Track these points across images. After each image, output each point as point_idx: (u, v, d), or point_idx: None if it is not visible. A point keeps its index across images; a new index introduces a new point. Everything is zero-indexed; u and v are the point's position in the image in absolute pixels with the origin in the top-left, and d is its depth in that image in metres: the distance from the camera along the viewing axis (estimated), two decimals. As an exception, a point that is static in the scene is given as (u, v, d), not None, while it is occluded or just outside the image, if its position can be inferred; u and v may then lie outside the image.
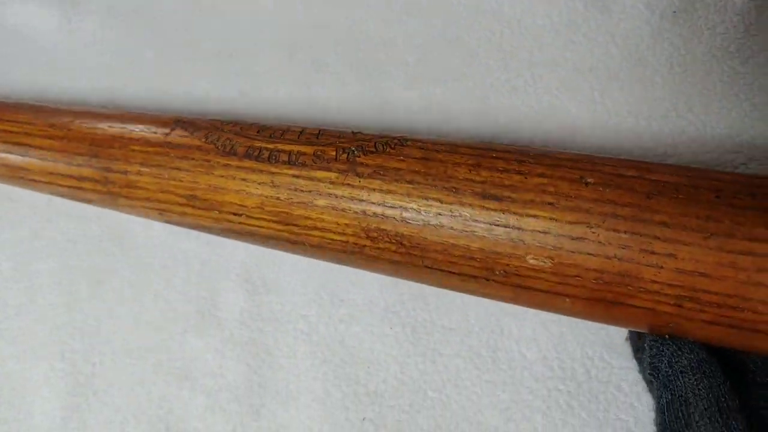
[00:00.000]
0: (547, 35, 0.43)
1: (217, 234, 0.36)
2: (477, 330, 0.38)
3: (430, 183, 0.30)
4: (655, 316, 0.27)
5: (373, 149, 0.32)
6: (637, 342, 0.31)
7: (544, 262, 0.28)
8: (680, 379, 0.27)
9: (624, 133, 0.42)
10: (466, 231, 0.29)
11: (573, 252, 0.27)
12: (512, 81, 0.42)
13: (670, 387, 0.27)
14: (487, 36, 0.43)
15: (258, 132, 0.34)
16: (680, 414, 0.26)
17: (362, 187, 0.31)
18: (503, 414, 0.36)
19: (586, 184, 0.28)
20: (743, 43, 0.41)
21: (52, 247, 0.44)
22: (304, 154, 0.33)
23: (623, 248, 0.27)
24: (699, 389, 0.26)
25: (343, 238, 0.32)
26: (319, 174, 0.32)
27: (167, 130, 0.35)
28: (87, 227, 0.44)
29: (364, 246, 0.31)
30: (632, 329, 0.30)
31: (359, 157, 0.32)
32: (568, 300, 0.28)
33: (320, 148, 0.33)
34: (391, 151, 0.32)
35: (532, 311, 0.37)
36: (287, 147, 0.33)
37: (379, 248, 0.31)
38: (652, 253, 0.26)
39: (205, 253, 0.42)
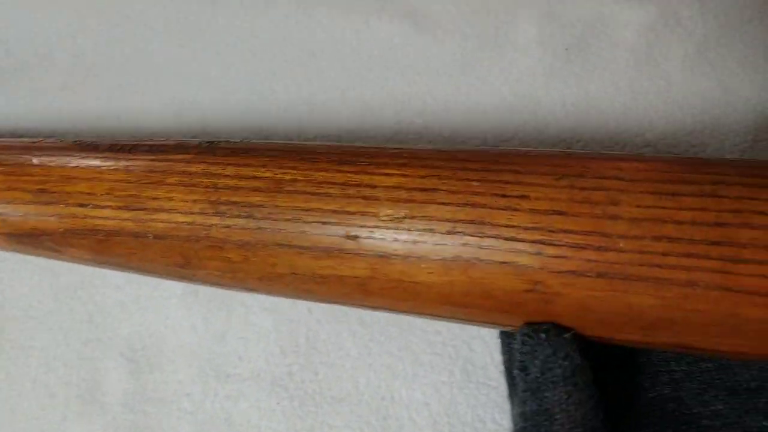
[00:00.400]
0: (440, 78, 0.43)
1: (55, 247, 0.34)
2: (367, 398, 0.36)
3: (287, 156, 0.30)
4: (517, 274, 0.26)
5: (239, 140, 0.32)
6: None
7: (399, 215, 0.27)
8: (551, 390, 0.25)
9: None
10: (319, 193, 0.28)
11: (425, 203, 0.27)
12: (404, 131, 0.42)
13: (538, 397, 0.25)
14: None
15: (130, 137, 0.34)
16: (542, 428, 0.25)
17: (217, 163, 0.30)
18: (398, 489, 0.34)
19: (438, 151, 0.29)
20: (634, 79, 0.41)
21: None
22: (167, 144, 0.32)
23: (475, 195, 0.26)
24: (568, 404, 0.25)
25: (189, 219, 0.30)
26: (176, 156, 0.31)
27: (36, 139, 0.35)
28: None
29: (211, 226, 0.30)
30: (489, 312, 0.28)
31: (221, 144, 0.32)
32: (422, 266, 0.27)
33: (184, 141, 0.32)
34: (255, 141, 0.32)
35: (422, 374, 0.36)
36: (151, 142, 0.33)
37: (227, 226, 0.30)
38: (504, 196, 0.26)
39: (88, 331, 0.40)
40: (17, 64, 0.46)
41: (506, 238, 0.26)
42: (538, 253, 0.25)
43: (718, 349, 0.25)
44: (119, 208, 0.31)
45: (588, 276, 0.25)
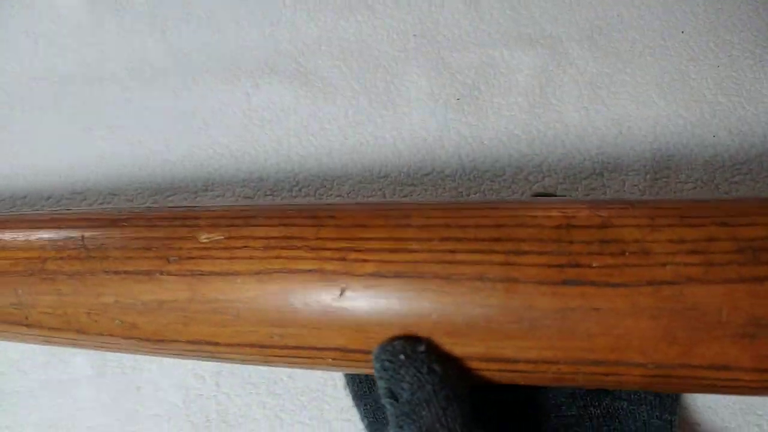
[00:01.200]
0: (335, 140, 0.43)
1: None
2: None
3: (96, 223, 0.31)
4: (325, 279, 0.26)
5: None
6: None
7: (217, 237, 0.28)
8: (425, 408, 0.24)
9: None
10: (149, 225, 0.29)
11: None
12: (303, 192, 0.42)
13: (414, 419, 0.24)
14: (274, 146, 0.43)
15: None
16: None
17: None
18: None
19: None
20: (530, 125, 0.42)
21: None
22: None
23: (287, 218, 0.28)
24: (447, 419, 0.24)
25: (27, 254, 0.30)
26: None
27: None
28: None
29: (47, 259, 0.30)
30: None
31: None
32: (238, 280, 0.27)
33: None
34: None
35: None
36: None
37: (61, 258, 0.30)
38: (313, 217, 0.28)
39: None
40: None
41: (314, 248, 0.27)
42: (342, 259, 0.26)
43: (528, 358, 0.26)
44: None
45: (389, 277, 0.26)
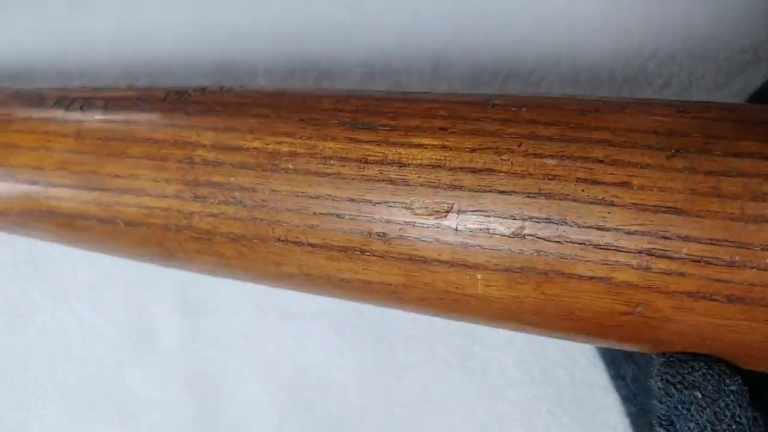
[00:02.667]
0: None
1: (22, 227, 0.28)
2: (446, 335, 0.34)
3: (282, 116, 0.23)
4: (613, 293, 0.19)
5: (217, 90, 0.25)
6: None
7: (441, 208, 0.20)
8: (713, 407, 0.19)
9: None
10: (328, 174, 0.22)
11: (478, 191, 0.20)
12: (463, 41, 0.38)
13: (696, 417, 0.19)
14: None
15: (83, 87, 0.28)
16: None
17: (191, 127, 0.24)
18: (480, 427, 0.34)
19: (493, 105, 0.21)
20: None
21: (-39, 282, 0.40)
22: (126, 98, 0.26)
23: (551, 180, 0.19)
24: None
25: (164, 204, 0.24)
26: (137, 116, 0.25)
27: None
28: (-3, 250, 0.40)
29: (192, 214, 0.24)
30: (571, 333, 0.21)
31: (195, 95, 0.25)
32: (479, 276, 0.20)
33: (147, 92, 0.26)
34: (241, 90, 0.25)
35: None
36: (107, 94, 0.26)
37: (212, 215, 0.23)
38: (595, 182, 0.19)
39: (131, 270, 0.38)
40: None
41: (598, 246, 0.19)
42: (645, 268, 0.19)
43: None
44: (77, 187, 0.25)
45: (715, 300, 0.18)
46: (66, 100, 0.27)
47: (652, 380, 0.20)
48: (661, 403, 0.20)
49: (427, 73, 0.38)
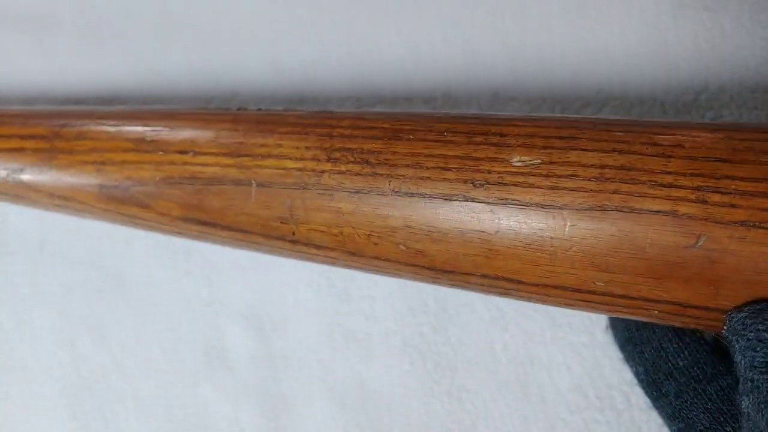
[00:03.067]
0: (554, 20, 0.40)
1: (144, 200, 0.32)
2: (504, 361, 0.36)
3: (404, 116, 0.29)
4: (677, 225, 0.23)
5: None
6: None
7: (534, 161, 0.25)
8: None
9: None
10: (442, 141, 0.27)
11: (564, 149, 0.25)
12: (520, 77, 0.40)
13: None
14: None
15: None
16: None
17: (332, 117, 0.30)
18: (539, 450, 0.35)
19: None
20: None
21: (50, 299, 0.43)
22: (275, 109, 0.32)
23: (620, 143, 0.24)
24: None
25: (299, 165, 0.28)
26: (287, 112, 0.31)
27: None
28: (84, 274, 0.43)
29: (323, 172, 0.28)
30: (641, 276, 0.24)
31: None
32: (564, 214, 0.24)
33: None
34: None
35: (561, 336, 0.36)
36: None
37: (339, 172, 0.28)
38: (654, 144, 0.24)
39: (207, 294, 0.41)
40: (107, 25, 0.44)
41: (663, 185, 0.23)
42: (702, 201, 0.23)
43: None
44: (223, 154, 0.30)
45: (763, 228, 0.22)
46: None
47: (733, 338, 0.23)
48: (756, 351, 0.22)
49: (485, 106, 0.40)
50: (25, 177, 0.35)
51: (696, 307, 0.24)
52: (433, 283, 0.29)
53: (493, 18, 0.41)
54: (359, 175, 0.27)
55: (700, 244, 0.23)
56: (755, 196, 0.22)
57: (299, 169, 0.28)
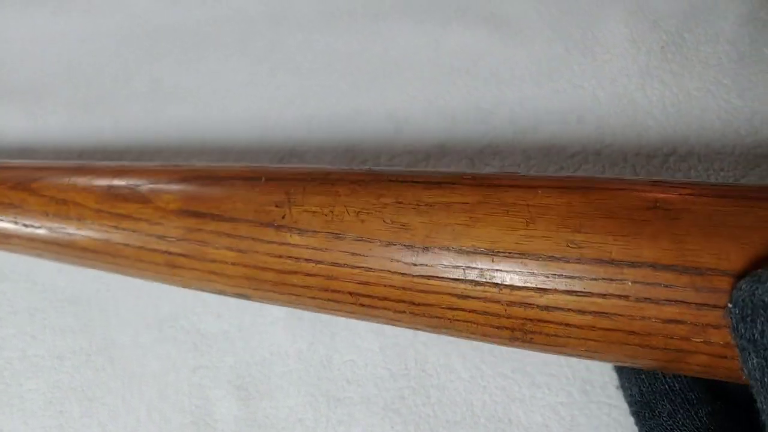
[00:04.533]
0: (527, 84, 0.42)
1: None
2: (483, 421, 0.37)
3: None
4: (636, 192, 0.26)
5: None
6: None
7: None
8: None
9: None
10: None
11: None
12: (495, 142, 0.42)
13: None
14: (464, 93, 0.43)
15: None
16: None
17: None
18: None
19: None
20: (739, 74, 0.40)
21: (39, 366, 0.44)
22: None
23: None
24: None
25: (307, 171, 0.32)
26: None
27: None
28: (73, 341, 0.44)
29: (329, 173, 0.31)
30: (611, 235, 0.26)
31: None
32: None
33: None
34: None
35: (539, 396, 0.36)
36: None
37: (345, 173, 0.31)
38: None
39: (194, 359, 0.42)
40: (98, 93, 0.47)
41: None
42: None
43: None
44: None
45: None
46: None
47: (736, 309, 0.22)
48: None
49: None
50: None
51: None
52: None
53: (469, 86, 0.43)
54: (361, 173, 0.31)
55: (657, 205, 0.24)
56: None
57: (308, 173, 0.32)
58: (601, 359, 0.27)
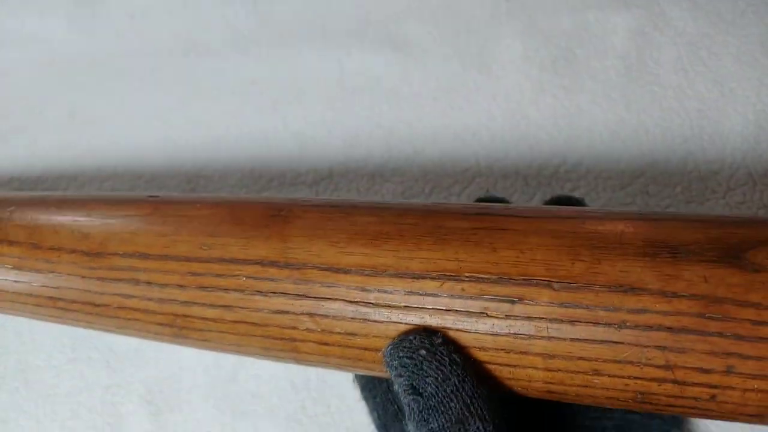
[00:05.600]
0: (426, 105, 0.44)
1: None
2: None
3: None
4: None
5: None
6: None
7: None
8: (454, 400, 0.24)
9: (516, 196, 0.42)
10: None
11: None
12: (395, 159, 0.43)
13: (443, 410, 0.24)
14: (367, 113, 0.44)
15: None
16: None
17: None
18: None
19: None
20: (626, 87, 0.42)
21: (-47, 387, 0.45)
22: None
23: None
24: (474, 406, 0.24)
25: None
26: None
27: None
28: (-13, 365, 0.45)
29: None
30: None
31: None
32: None
33: None
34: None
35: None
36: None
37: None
38: None
39: (107, 377, 0.43)
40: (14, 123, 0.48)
41: None
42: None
43: None
44: None
45: None
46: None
47: (388, 370, 0.25)
48: (401, 377, 0.24)
49: (363, 189, 0.43)
50: None
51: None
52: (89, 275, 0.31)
53: (370, 106, 0.44)
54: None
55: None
56: None
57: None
58: (249, 353, 0.29)
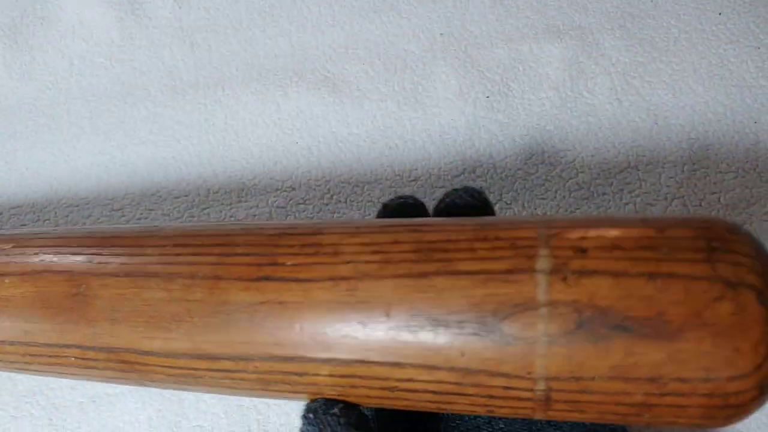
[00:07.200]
0: (364, 144, 0.44)
1: None
2: None
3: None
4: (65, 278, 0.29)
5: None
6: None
7: None
8: None
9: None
10: None
11: None
12: (334, 201, 0.43)
13: None
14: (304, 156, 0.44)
15: None
16: None
17: None
18: None
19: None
20: (561, 119, 0.42)
21: None
22: None
23: None
24: None
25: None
26: None
27: None
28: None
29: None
30: None
31: None
32: None
33: None
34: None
35: None
36: None
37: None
38: None
39: (51, 434, 0.43)
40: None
41: None
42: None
43: None
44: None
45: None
46: None
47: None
48: None
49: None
50: None
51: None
52: None
53: (309, 147, 0.44)
54: None
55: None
56: None
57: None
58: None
